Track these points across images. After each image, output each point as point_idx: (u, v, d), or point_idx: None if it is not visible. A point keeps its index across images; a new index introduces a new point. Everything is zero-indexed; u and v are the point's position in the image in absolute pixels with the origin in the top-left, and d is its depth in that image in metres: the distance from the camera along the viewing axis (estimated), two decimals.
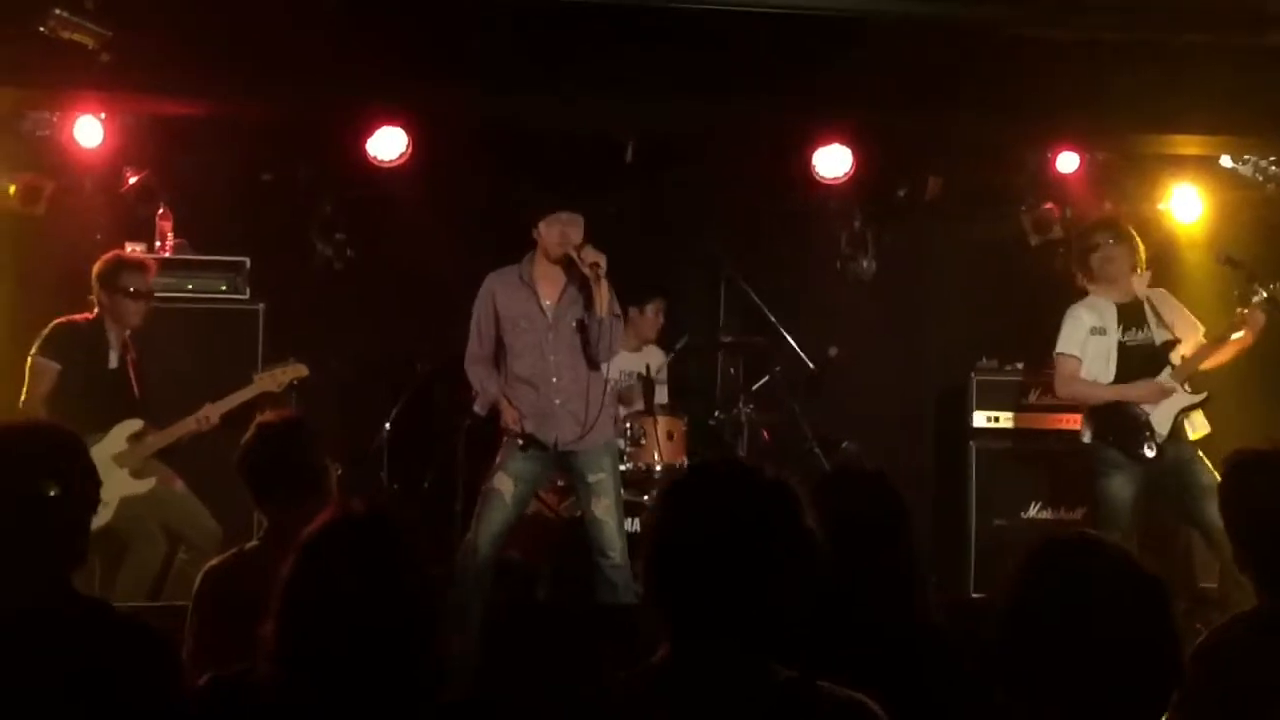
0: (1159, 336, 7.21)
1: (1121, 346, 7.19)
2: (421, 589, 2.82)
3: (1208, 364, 7.19)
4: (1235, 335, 7.13)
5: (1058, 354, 7.28)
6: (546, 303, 6.90)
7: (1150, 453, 7.04)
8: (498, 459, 6.93)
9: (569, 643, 6.46)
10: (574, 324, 6.89)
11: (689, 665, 2.50)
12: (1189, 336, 7.25)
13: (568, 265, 6.88)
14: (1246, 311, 7.09)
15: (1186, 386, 7.16)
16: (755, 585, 2.47)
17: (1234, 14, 6.98)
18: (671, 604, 2.53)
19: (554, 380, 6.87)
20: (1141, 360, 7.18)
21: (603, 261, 6.72)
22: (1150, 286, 7.41)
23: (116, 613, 3.05)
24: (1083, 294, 7.39)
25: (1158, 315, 7.23)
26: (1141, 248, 7.34)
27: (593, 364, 6.93)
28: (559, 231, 6.81)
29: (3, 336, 7.73)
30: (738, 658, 2.48)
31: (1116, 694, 2.31)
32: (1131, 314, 7.24)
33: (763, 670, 2.49)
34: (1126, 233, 7.33)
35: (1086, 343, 7.21)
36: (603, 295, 6.73)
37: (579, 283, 6.87)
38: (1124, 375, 7.17)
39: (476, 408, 7.09)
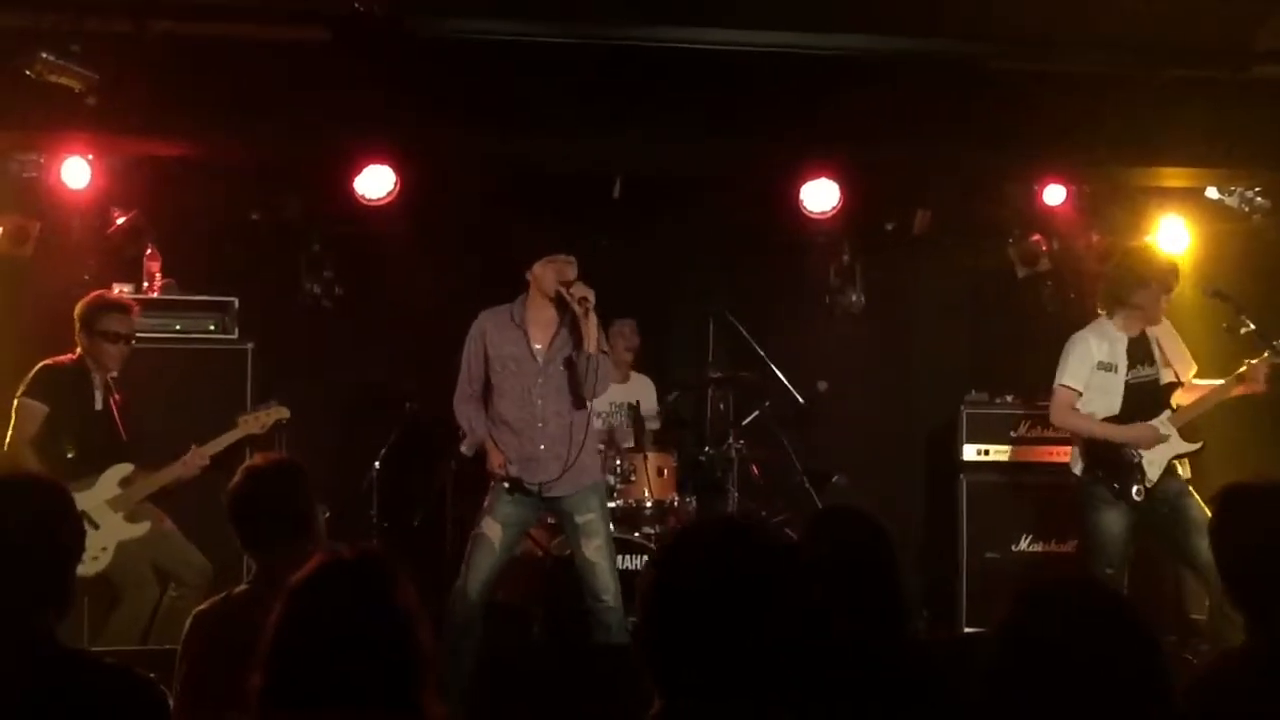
0: (1164, 376, 7.18)
1: (1127, 385, 7.16)
2: (411, 634, 2.80)
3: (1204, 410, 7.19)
4: (1239, 388, 7.11)
5: (1059, 384, 7.20)
6: (538, 346, 6.87)
7: (1138, 497, 7.02)
8: (485, 503, 6.90)
9: (563, 684, 6.43)
10: (563, 367, 6.85)
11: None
12: (1185, 373, 7.25)
13: (559, 308, 6.86)
14: (1248, 368, 7.06)
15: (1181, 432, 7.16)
16: (749, 647, 2.46)
17: (1219, 48, 7.02)
18: (664, 664, 2.52)
19: (540, 425, 6.83)
20: (1143, 399, 7.14)
21: (591, 297, 6.69)
22: None
23: (103, 663, 3.03)
24: (1081, 317, 7.37)
25: (1161, 351, 7.21)
26: None
27: (579, 404, 6.90)
28: (555, 270, 6.79)
29: None
30: (735, 712, 2.47)
31: None
32: (1140, 350, 7.19)
33: None
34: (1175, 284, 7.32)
35: (1092, 376, 7.16)
36: (591, 331, 6.71)
37: (569, 325, 6.86)
38: (1125, 412, 7.13)
39: (464, 448, 7.06)
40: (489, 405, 6.93)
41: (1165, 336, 7.27)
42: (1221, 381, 7.17)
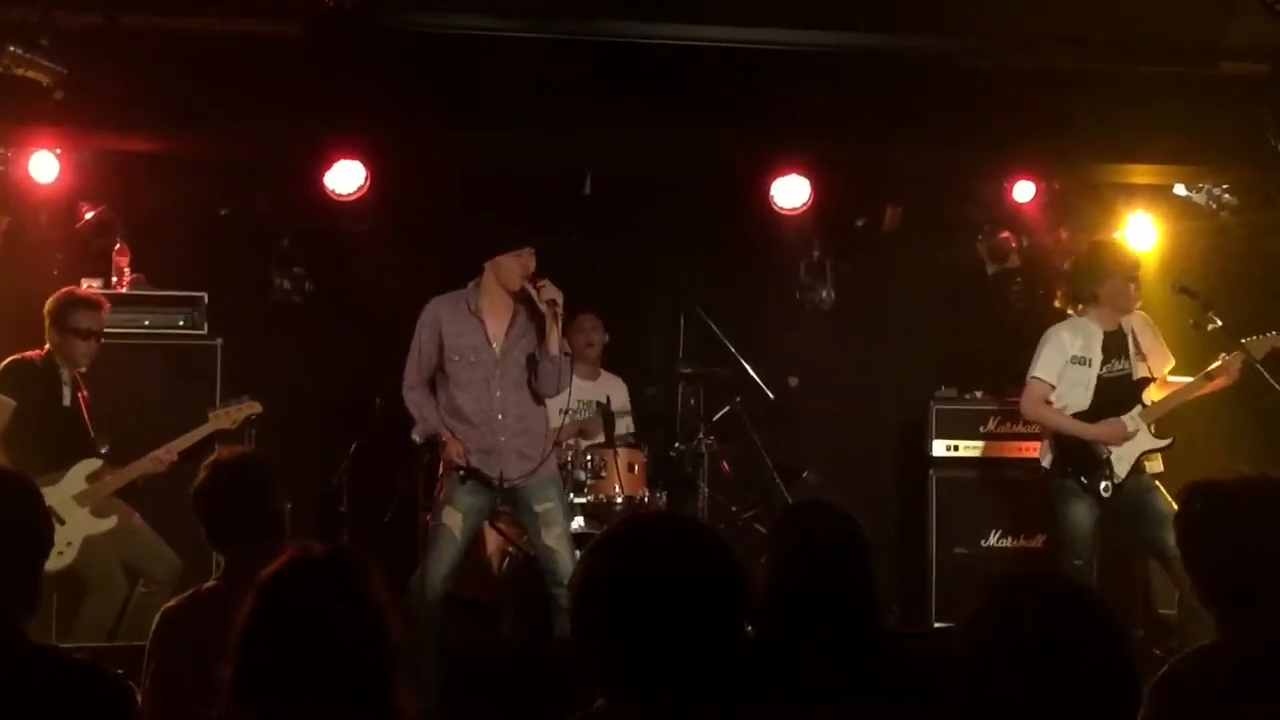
0: (1136, 370, 7.22)
1: (1099, 379, 7.19)
2: (382, 629, 2.80)
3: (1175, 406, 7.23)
4: (1211, 385, 7.15)
5: (1031, 376, 7.24)
6: (494, 335, 6.84)
7: (1106, 493, 7.07)
8: (440, 494, 6.86)
9: (533, 679, 6.42)
10: (522, 360, 6.83)
11: (624, 714, 2.50)
12: (1160, 368, 7.28)
13: (518, 298, 6.85)
14: (1222, 362, 7.09)
15: (1152, 428, 7.18)
16: (681, 631, 2.48)
17: (1188, 45, 7.05)
18: (597, 652, 2.55)
19: (499, 417, 6.81)
20: (1116, 393, 7.18)
21: (560, 299, 6.68)
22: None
23: (71, 659, 3.01)
24: (1059, 314, 7.40)
25: (1137, 345, 7.24)
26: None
27: (538, 399, 6.89)
28: (523, 264, 6.76)
29: None
30: (669, 706, 2.48)
31: None
32: (1114, 344, 7.23)
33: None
34: (1139, 273, 7.35)
35: (1065, 370, 7.20)
36: (557, 333, 6.71)
37: (525, 315, 6.84)
38: (1097, 405, 7.17)
39: (415, 435, 6.94)
40: (442, 397, 6.89)
41: (1142, 331, 7.30)
42: (1193, 379, 7.21)
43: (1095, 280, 7.21)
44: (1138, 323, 7.31)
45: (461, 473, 6.72)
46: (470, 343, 6.83)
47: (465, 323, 6.85)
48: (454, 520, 6.75)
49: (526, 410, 6.88)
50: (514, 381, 6.84)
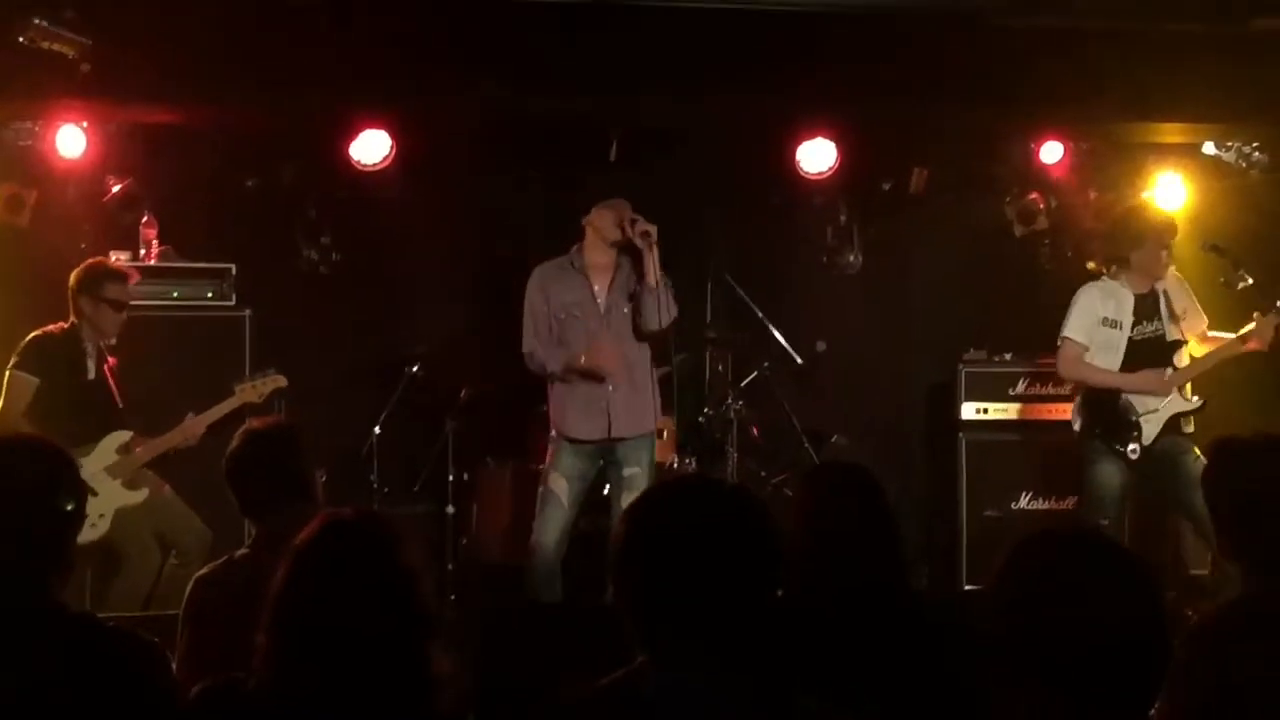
0: (1169, 333, 7.18)
1: (1130, 341, 7.17)
2: (415, 590, 2.81)
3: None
4: (1243, 347, 7.12)
5: (1063, 337, 7.23)
6: (599, 291, 7.07)
7: (1134, 455, 7.05)
8: (548, 459, 7.09)
9: (574, 642, 6.43)
10: (625, 311, 7.04)
11: (664, 672, 2.51)
12: (1195, 328, 7.24)
13: (617, 252, 7.07)
14: (1256, 325, 7.04)
15: (1185, 391, 7.16)
16: (718, 591, 2.49)
17: (1217, 1, 6.98)
18: (637, 612, 2.56)
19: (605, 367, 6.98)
20: (1147, 355, 7.15)
21: (653, 231, 6.89)
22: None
23: (105, 624, 3.03)
24: (1090, 275, 7.37)
25: (1170, 307, 7.20)
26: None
27: (641, 336, 7.07)
28: (614, 213, 7.00)
29: None
30: (706, 660, 2.49)
31: (1108, 679, 2.33)
32: (1146, 306, 7.19)
33: (736, 681, 2.50)
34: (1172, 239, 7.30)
35: (1095, 331, 7.18)
36: (654, 263, 6.88)
37: (629, 267, 7.07)
38: (1128, 368, 7.15)
39: (547, 365, 7.10)
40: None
41: (1176, 292, 7.26)
42: (1225, 341, 7.18)
43: (1128, 245, 7.18)
44: (1171, 284, 7.27)
45: (566, 439, 6.99)
46: (574, 298, 7.06)
47: (570, 279, 7.11)
48: (560, 486, 7.00)
49: (633, 362, 7.08)
50: (618, 334, 7.06)
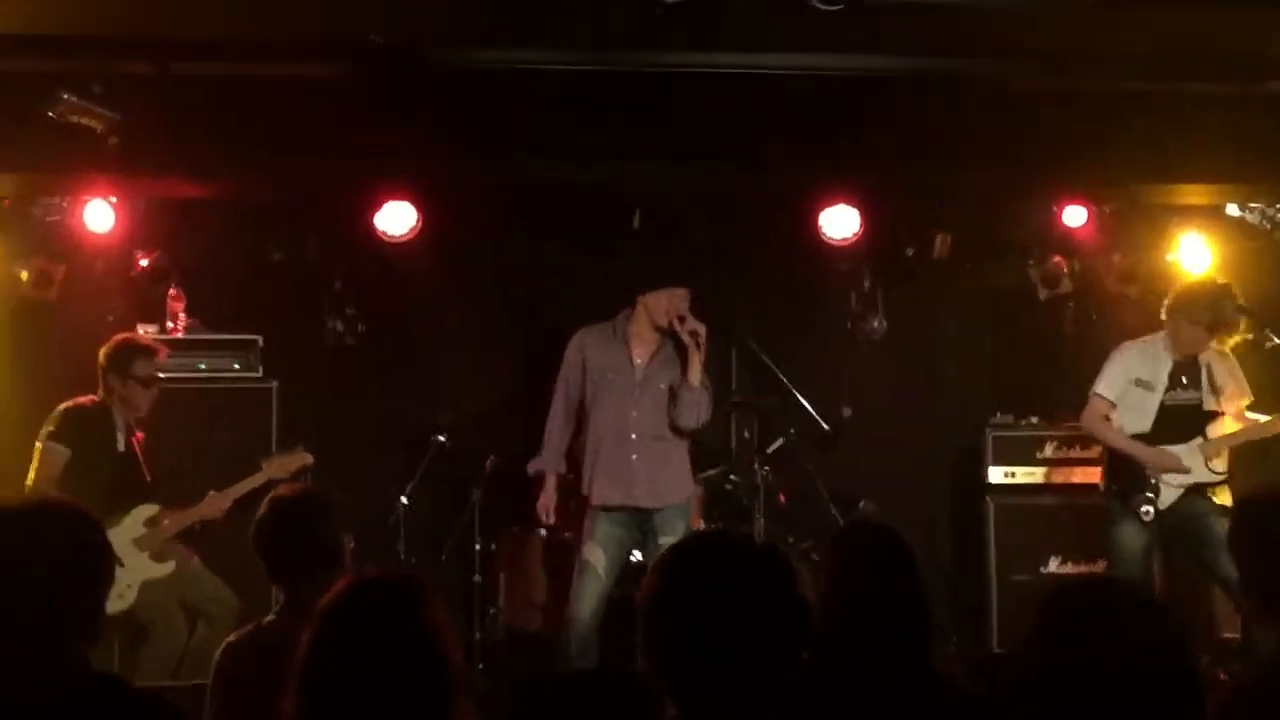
0: (1207, 402, 7.18)
1: (1162, 405, 7.15)
2: (443, 652, 2.80)
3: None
4: (1278, 429, 7.12)
5: (1094, 392, 7.27)
6: (638, 360, 7.14)
7: (1147, 518, 7.03)
8: (585, 527, 7.12)
9: (618, 709, 6.41)
10: (663, 386, 7.09)
11: None
12: (1234, 404, 7.21)
13: (665, 334, 7.14)
14: None
15: (1211, 461, 7.12)
16: (746, 644, 2.52)
17: (1235, 61, 6.99)
18: (666, 663, 2.58)
19: (632, 436, 7.06)
20: (1179, 421, 7.14)
21: (702, 331, 6.97)
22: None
23: (132, 688, 3.02)
24: (1104, 338, 7.38)
25: (1211, 378, 7.18)
26: None
27: (675, 429, 7.10)
28: (669, 302, 7.08)
29: (17, 421, 7.70)
30: (734, 715, 2.50)
31: None
32: (1185, 372, 7.19)
33: None
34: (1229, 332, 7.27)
35: (1127, 391, 7.17)
36: (699, 363, 6.97)
37: (672, 349, 7.14)
38: (1157, 431, 7.15)
39: (529, 467, 7.32)
40: (586, 424, 7.17)
41: (1219, 364, 7.23)
42: (1266, 418, 7.15)
43: (1183, 319, 7.17)
44: (1214, 356, 7.26)
45: (602, 508, 7.03)
46: (613, 363, 7.15)
47: (611, 346, 7.20)
48: (596, 556, 7.04)
49: (661, 434, 7.11)
50: (651, 405, 7.11)
